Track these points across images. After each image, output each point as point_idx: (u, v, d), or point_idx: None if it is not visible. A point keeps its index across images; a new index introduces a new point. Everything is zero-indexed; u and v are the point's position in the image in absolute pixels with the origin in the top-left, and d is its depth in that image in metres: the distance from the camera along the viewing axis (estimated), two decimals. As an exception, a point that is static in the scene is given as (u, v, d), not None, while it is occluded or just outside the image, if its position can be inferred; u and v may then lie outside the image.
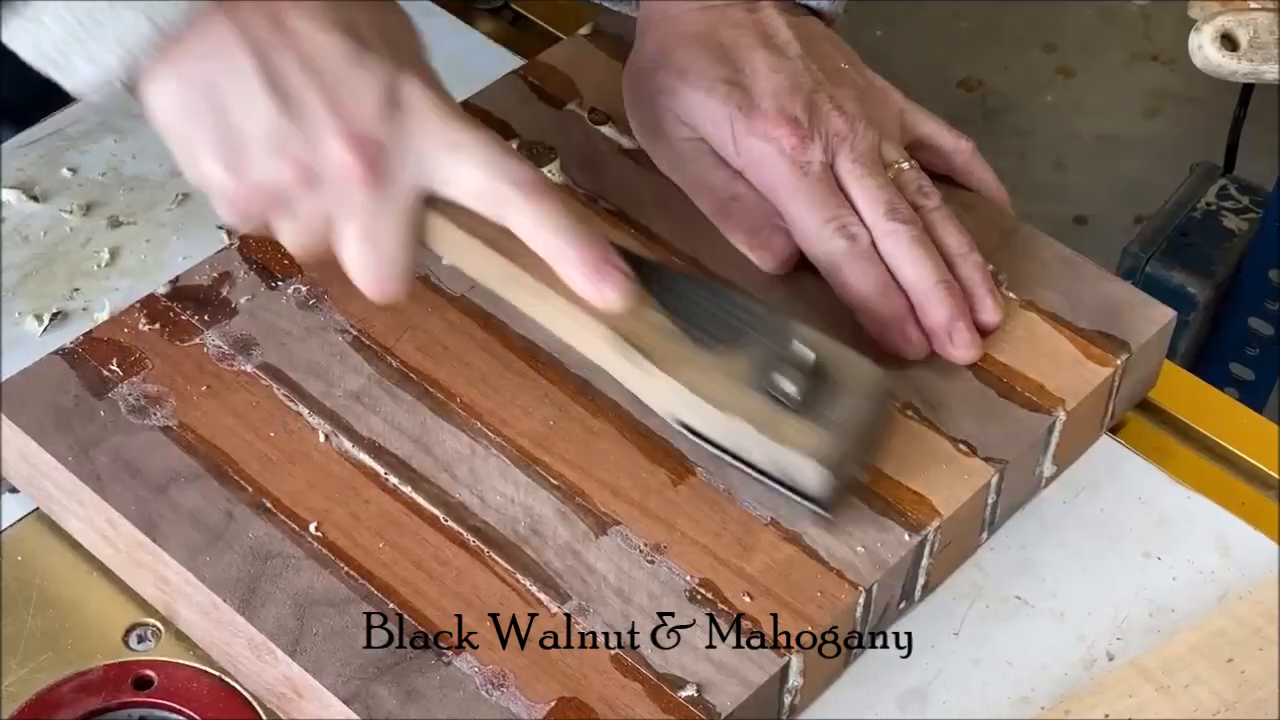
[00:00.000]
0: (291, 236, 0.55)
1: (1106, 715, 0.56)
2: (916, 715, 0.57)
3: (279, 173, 0.53)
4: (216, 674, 0.56)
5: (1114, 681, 0.57)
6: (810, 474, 0.55)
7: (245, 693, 0.56)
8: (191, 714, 0.55)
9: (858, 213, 0.63)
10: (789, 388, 0.55)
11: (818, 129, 0.64)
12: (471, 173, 0.54)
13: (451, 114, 0.54)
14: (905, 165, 0.65)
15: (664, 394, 0.56)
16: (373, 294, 0.55)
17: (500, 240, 0.55)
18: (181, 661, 0.57)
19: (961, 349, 0.62)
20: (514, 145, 0.64)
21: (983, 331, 0.63)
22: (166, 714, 0.56)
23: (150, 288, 0.64)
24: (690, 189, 0.66)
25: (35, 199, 0.71)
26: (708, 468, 0.59)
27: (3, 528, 0.60)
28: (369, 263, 0.54)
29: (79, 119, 0.74)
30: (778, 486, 0.56)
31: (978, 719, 0.57)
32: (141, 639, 0.57)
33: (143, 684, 0.56)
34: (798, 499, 0.56)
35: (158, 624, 0.58)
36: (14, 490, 0.61)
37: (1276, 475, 0.66)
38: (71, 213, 0.71)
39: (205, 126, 0.53)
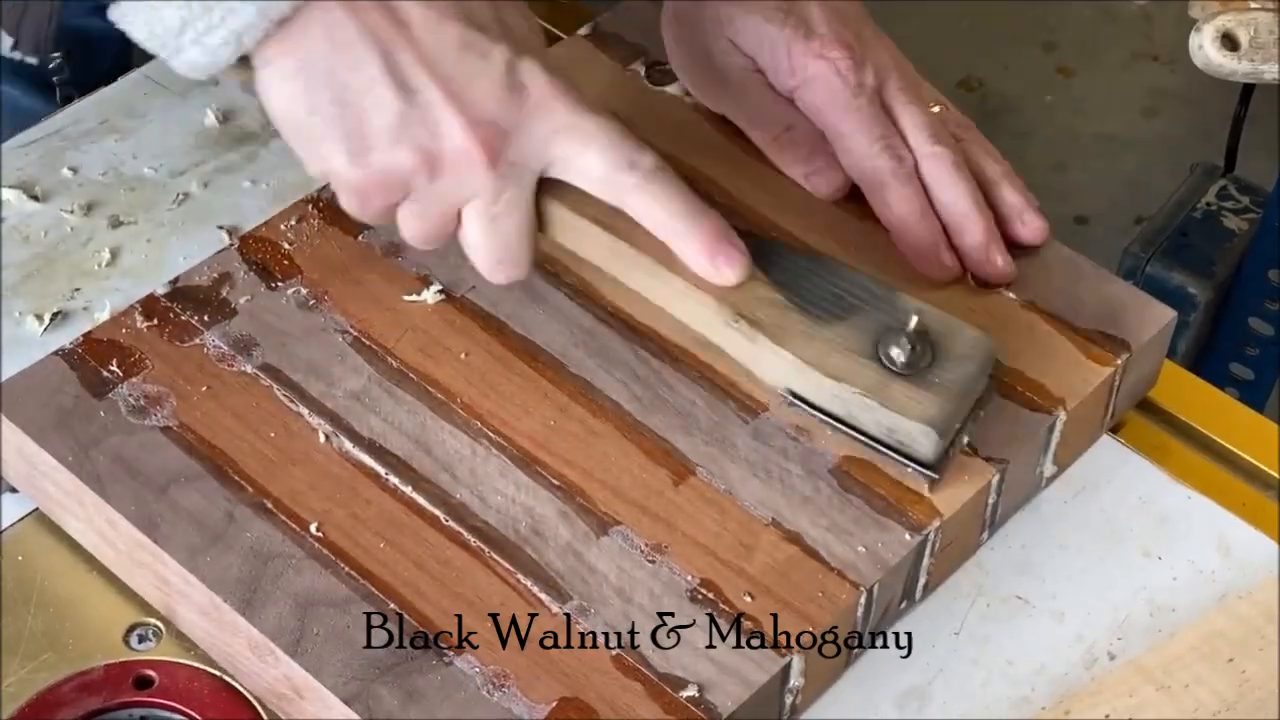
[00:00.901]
0: (412, 224, 0.57)
1: (1107, 715, 0.56)
2: (916, 715, 0.57)
3: (402, 161, 0.54)
4: (217, 673, 0.56)
5: (1114, 681, 0.57)
6: (921, 438, 0.56)
7: (246, 692, 0.56)
8: (192, 714, 0.55)
9: (903, 139, 0.66)
10: (897, 355, 0.57)
11: (868, 56, 0.66)
12: (593, 157, 0.55)
13: (571, 97, 0.55)
14: (938, 109, 0.68)
15: (775, 365, 0.58)
16: (495, 278, 0.57)
17: (613, 222, 0.57)
18: (182, 661, 0.57)
19: (997, 269, 0.64)
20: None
21: (1025, 247, 0.65)
22: (167, 714, 0.56)
23: (151, 287, 0.64)
24: (745, 120, 0.68)
25: (36, 198, 0.71)
26: (708, 467, 0.59)
27: (3, 527, 0.60)
28: (491, 247, 0.56)
29: (79, 118, 0.74)
30: (887, 451, 0.57)
31: (978, 719, 0.57)
32: (142, 638, 0.57)
33: (143, 683, 0.56)
34: (907, 463, 0.57)
35: (158, 623, 0.58)
36: (14, 490, 0.61)
37: (1277, 475, 0.66)
38: (72, 212, 0.71)
39: (328, 118, 0.54)
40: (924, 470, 0.57)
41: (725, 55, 0.67)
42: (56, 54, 0.77)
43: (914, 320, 0.57)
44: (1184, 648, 0.57)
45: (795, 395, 0.58)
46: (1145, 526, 0.62)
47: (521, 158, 0.55)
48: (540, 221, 0.57)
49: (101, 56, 0.80)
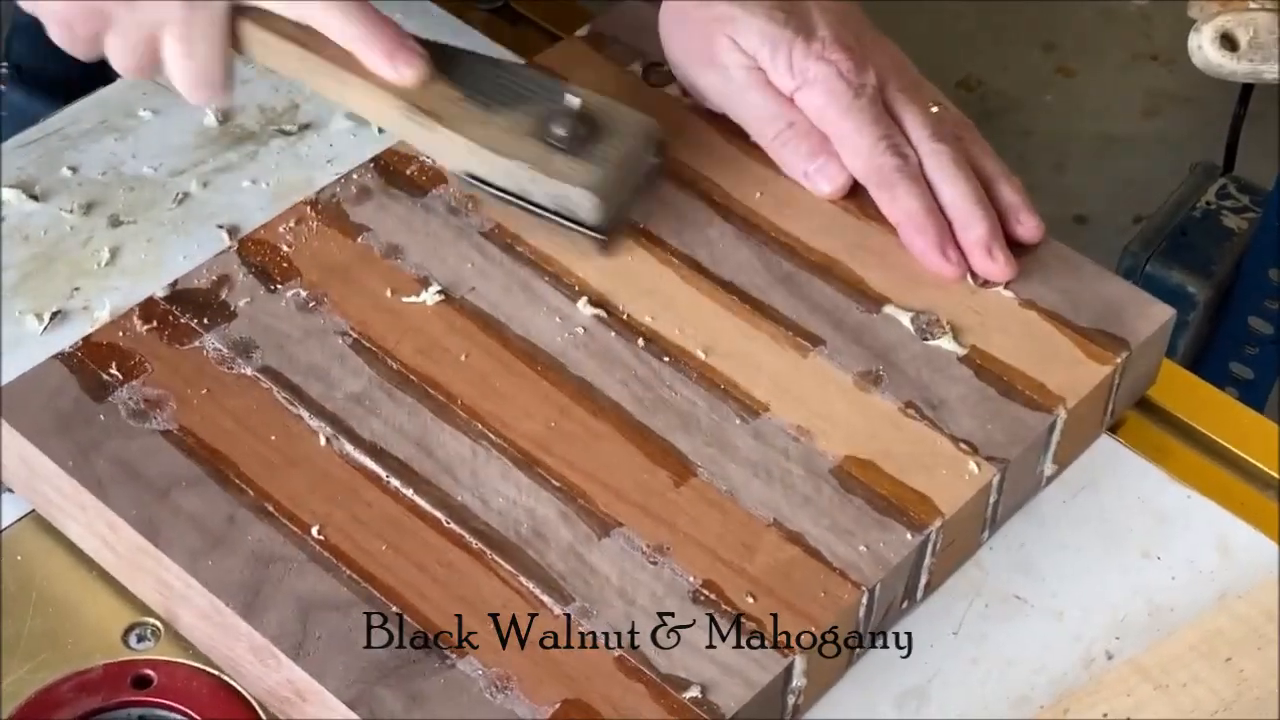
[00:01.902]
0: (118, 53, 0.61)
1: (1105, 714, 0.56)
2: (915, 714, 0.57)
3: None
4: (216, 673, 0.56)
5: (1113, 680, 0.57)
6: (584, 202, 0.62)
7: (244, 692, 0.56)
8: (191, 713, 0.55)
9: (906, 138, 0.67)
10: (560, 131, 0.62)
11: (869, 58, 0.67)
12: None
13: None
14: (936, 109, 0.68)
15: (453, 150, 0.63)
16: (197, 100, 0.63)
17: (302, 37, 0.62)
18: (181, 660, 0.57)
19: (1001, 265, 0.65)
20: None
21: (1025, 246, 0.66)
22: (166, 713, 0.56)
23: (150, 287, 0.64)
24: (745, 118, 0.68)
25: (35, 198, 0.71)
26: (709, 468, 0.59)
27: (2, 527, 0.60)
28: (190, 70, 0.61)
29: (79, 118, 0.74)
30: (559, 220, 0.63)
31: (977, 718, 0.57)
32: (141, 638, 0.57)
33: (142, 683, 0.56)
34: (577, 228, 0.63)
35: (157, 623, 0.58)
36: (12, 490, 0.61)
37: (1276, 475, 0.66)
38: (72, 212, 0.71)
39: None
40: (592, 234, 0.63)
41: (726, 54, 0.68)
42: (4, 62, 0.80)
43: (574, 102, 0.63)
44: (1182, 647, 0.57)
45: (474, 177, 0.63)
46: (1144, 526, 0.62)
47: None
48: (236, 43, 0.63)
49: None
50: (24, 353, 0.64)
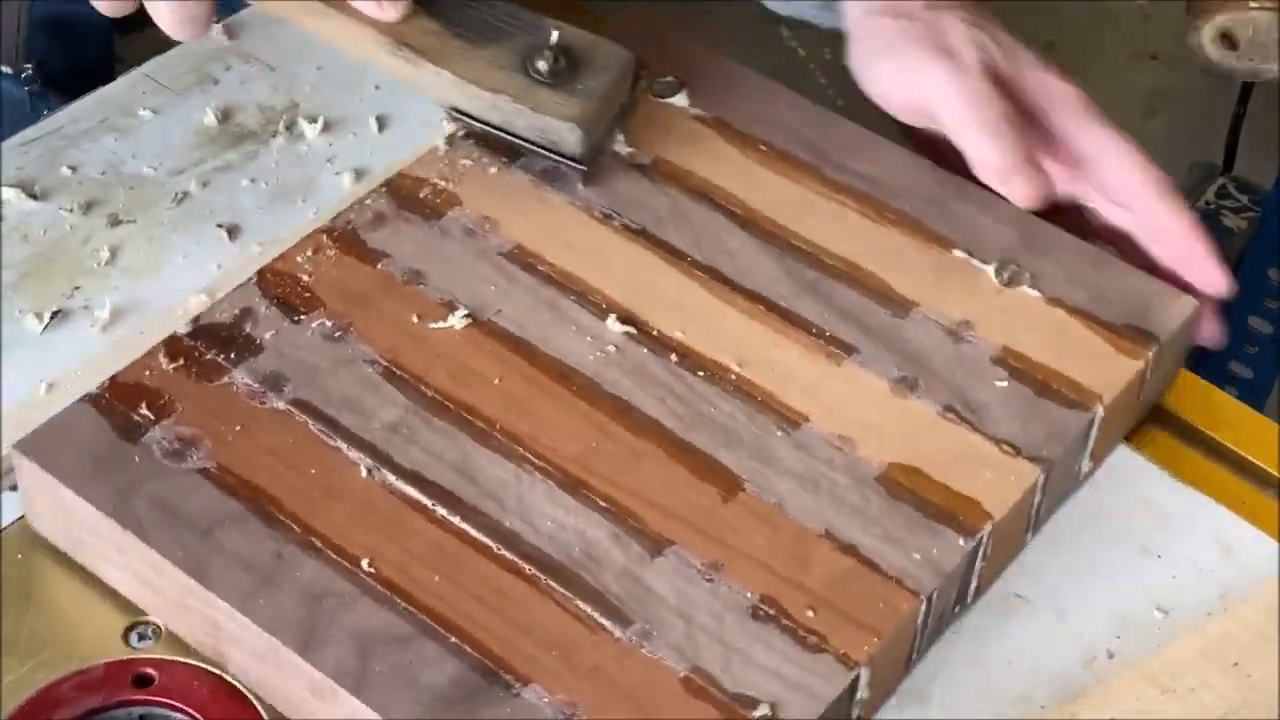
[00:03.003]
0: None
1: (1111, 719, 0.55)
2: (916, 714, 0.56)
3: None
4: (218, 672, 0.55)
5: (1119, 685, 0.56)
6: (568, 135, 0.65)
7: (246, 690, 0.55)
8: (192, 712, 0.54)
9: None
10: (543, 65, 0.65)
11: None
12: None
13: None
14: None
15: (438, 85, 0.65)
16: (179, 33, 0.63)
17: None
18: (182, 660, 0.55)
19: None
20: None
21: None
22: (167, 712, 0.55)
23: (151, 286, 0.64)
24: (968, 100, 0.67)
25: (35, 197, 0.70)
26: (755, 481, 0.58)
27: (2, 525, 0.59)
28: (176, 4, 0.62)
29: (78, 117, 0.73)
30: (543, 151, 0.66)
31: (978, 718, 0.57)
32: (142, 636, 0.56)
33: (143, 682, 0.55)
34: (559, 159, 0.66)
35: (158, 622, 0.56)
36: (14, 488, 0.59)
37: (1277, 474, 0.65)
38: (71, 211, 0.70)
39: None
40: (573, 165, 0.65)
41: (961, 43, 0.68)
42: (28, 65, 0.80)
43: (554, 35, 0.65)
44: (1188, 651, 0.57)
45: (458, 111, 0.66)
46: (1145, 525, 0.62)
47: None
48: None
49: (85, 44, 0.80)
50: (24, 352, 0.63)
